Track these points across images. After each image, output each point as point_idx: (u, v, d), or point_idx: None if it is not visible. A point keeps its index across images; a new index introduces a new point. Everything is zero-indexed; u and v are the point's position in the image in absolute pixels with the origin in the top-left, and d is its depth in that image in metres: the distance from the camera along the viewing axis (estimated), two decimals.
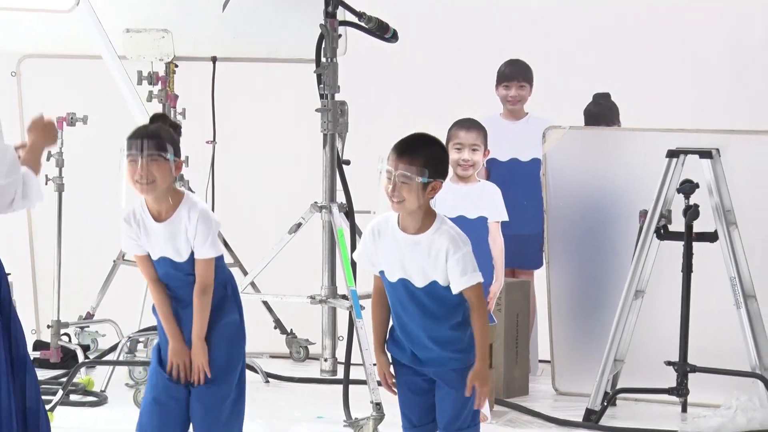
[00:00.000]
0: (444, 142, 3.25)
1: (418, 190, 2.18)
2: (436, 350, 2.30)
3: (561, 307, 4.89)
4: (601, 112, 5.24)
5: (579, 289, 4.87)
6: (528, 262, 4.98)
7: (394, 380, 2.50)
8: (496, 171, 4.82)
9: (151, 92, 4.47)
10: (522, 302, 4.77)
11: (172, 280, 2.53)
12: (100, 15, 4.20)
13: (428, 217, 2.20)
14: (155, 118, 2.77)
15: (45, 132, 2.31)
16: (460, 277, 2.22)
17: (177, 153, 2.51)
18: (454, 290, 2.25)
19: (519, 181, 4.87)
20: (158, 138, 2.45)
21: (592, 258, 4.80)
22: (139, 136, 2.49)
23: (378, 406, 3.44)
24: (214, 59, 4.56)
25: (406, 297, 2.32)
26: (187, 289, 2.54)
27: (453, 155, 3.86)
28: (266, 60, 4.80)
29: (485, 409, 4.01)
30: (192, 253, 2.51)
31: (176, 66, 4.57)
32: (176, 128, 2.66)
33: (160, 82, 4.47)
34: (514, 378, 4.67)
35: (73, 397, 4.26)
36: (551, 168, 4.83)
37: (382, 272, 2.36)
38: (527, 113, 5.01)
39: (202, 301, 2.50)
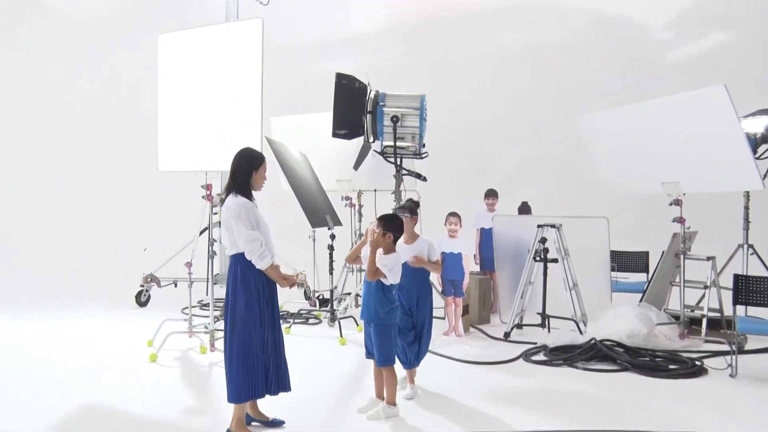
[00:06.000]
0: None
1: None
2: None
3: (503, 287, 7.91)
4: (524, 209, 8.52)
5: (508, 280, 7.81)
6: (490, 267, 8.19)
7: None
8: (484, 233, 8.21)
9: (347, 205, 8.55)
10: (487, 285, 7.91)
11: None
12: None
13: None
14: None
15: (283, 280, 4.06)
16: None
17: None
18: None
19: (487, 237, 8.19)
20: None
21: (514, 267, 7.74)
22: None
23: None
24: (375, 191, 8.35)
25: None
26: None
27: (449, 227, 7.08)
28: (385, 190, 8.07)
29: (461, 330, 7.12)
30: None
31: (361, 194, 8.70)
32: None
33: (351, 200, 8.61)
34: (484, 316, 7.85)
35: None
36: (496, 232, 8.00)
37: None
38: (496, 209, 8.33)
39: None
